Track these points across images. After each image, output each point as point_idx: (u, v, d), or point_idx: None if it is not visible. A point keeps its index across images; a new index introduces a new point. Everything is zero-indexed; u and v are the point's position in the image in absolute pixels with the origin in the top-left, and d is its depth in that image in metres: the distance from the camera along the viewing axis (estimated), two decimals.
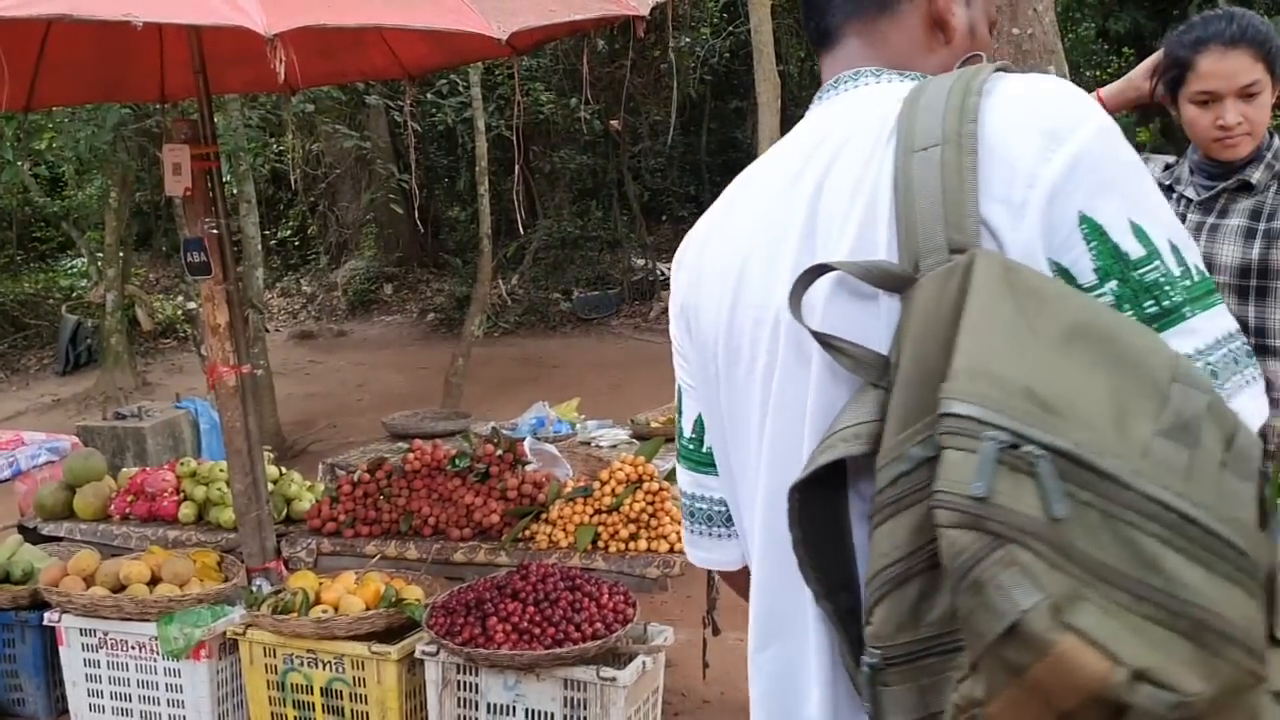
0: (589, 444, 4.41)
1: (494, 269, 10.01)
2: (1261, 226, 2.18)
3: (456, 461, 3.77)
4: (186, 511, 3.93)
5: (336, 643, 3.07)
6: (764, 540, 1.12)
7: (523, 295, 12.43)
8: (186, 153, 3.23)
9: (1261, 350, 2.19)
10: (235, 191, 8.11)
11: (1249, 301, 2.18)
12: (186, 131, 3.28)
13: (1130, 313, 0.97)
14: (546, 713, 2.89)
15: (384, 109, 10.22)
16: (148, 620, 3.29)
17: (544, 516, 3.50)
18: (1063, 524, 0.85)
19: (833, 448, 0.96)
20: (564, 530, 3.43)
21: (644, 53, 11.43)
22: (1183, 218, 2.28)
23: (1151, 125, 10.62)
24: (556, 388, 8.04)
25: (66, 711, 3.53)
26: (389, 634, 3.11)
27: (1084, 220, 0.97)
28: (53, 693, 3.66)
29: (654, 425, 4.40)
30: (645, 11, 2.98)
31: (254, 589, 3.33)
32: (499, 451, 3.81)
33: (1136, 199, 0.99)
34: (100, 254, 9.82)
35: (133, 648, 3.34)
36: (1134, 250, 0.97)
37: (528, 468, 3.77)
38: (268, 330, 9.80)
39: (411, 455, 3.84)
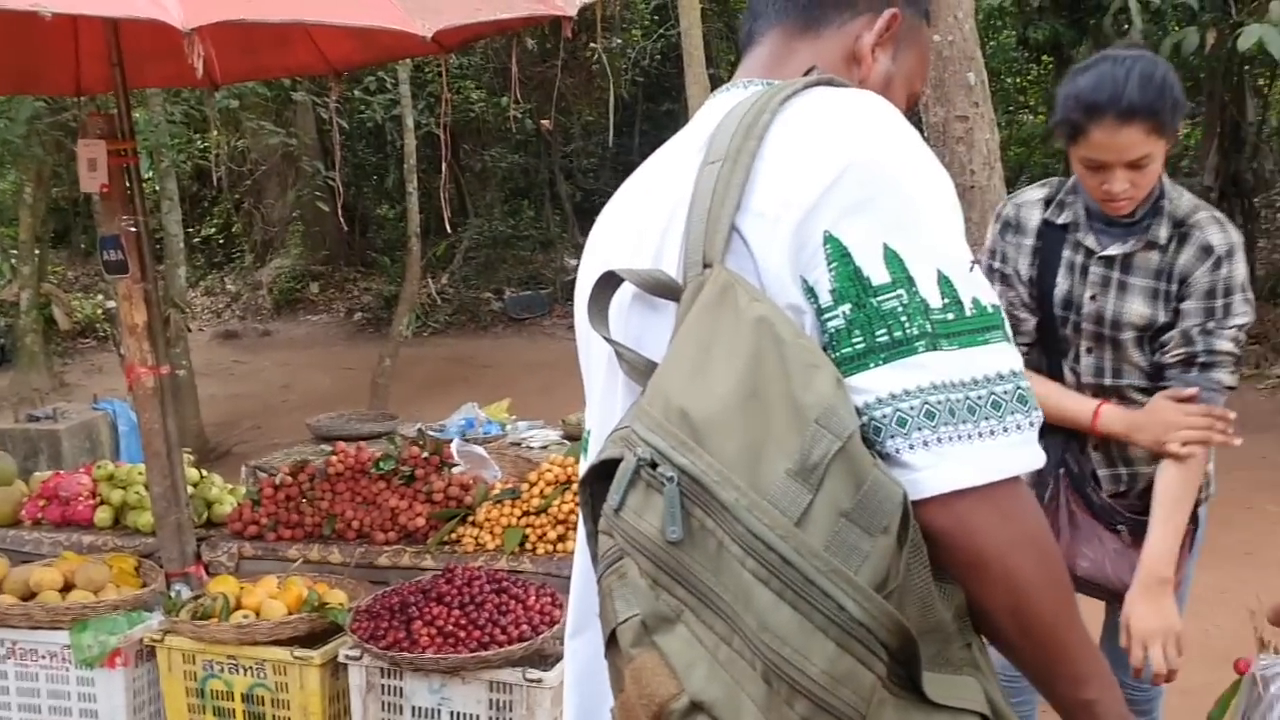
0: (519, 445, 4.39)
1: (423, 268, 9.92)
2: (1164, 288, 2.16)
3: (381, 464, 3.72)
4: (103, 515, 3.83)
5: (258, 648, 3.02)
6: (581, 532, 1.15)
7: (453, 295, 12.34)
8: (102, 148, 3.15)
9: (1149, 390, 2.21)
10: (157, 188, 7.95)
11: (1143, 348, 2.20)
12: (102, 126, 3.19)
13: (860, 339, 0.95)
14: (472, 715, 2.87)
15: (311, 106, 10.06)
16: (60, 628, 3.19)
17: (471, 519, 3.48)
18: (680, 546, 0.87)
19: (605, 449, 0.99)
20: (491, 533, 3.41)
21: (575, 53, 11.41)
22: (1085, 268, 2.21)
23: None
24: (487, 388, 7.99)
25: None
26: (312, 639, 3.06)
27: (829, 240, 0.96)
28: None
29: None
30: (573, 12, 2.97)
31: (173, 594, 3.26)
32: (425, 454, 3.78)
33: (901, 223, 0.96)
34: (14, 251, 9.53)
35: (43, 657, 3.24)
36: (877, 275, 0.95)
37: (455, 470, 3.74)
38: (190, 329, 9.60)
39: (335, 458, 3.78)
